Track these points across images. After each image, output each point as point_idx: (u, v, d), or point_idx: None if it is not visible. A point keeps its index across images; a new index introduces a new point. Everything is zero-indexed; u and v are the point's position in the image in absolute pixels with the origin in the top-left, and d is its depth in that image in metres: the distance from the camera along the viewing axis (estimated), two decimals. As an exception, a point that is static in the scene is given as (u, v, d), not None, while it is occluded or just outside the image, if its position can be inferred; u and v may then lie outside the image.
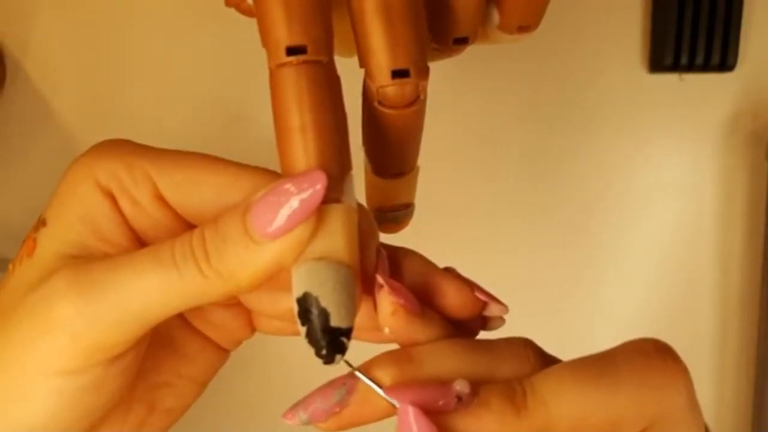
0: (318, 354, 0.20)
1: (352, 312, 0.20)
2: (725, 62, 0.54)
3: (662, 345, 0.20)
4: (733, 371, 0.59)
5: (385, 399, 0.20)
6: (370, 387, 0.20)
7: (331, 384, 0.21)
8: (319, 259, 0.20)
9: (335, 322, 0.19)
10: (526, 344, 0.22)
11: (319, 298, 0.19)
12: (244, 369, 0.56)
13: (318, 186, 0.19)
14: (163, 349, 0.24)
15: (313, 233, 0.20)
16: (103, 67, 0.52)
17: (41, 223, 0.22)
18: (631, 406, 0.19)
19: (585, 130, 0.56)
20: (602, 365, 0.20)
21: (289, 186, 0.19)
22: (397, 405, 0.19)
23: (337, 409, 0.21)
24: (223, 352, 0.26)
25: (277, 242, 0.19)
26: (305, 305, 0.20)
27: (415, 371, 0.21)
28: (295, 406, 0.21)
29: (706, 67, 0.54)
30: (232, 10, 0.31)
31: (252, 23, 0.28)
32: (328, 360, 0.20)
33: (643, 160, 0.56)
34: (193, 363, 0.25)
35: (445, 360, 0.21)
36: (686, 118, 0.56)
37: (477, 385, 0.20)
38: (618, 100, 0.55)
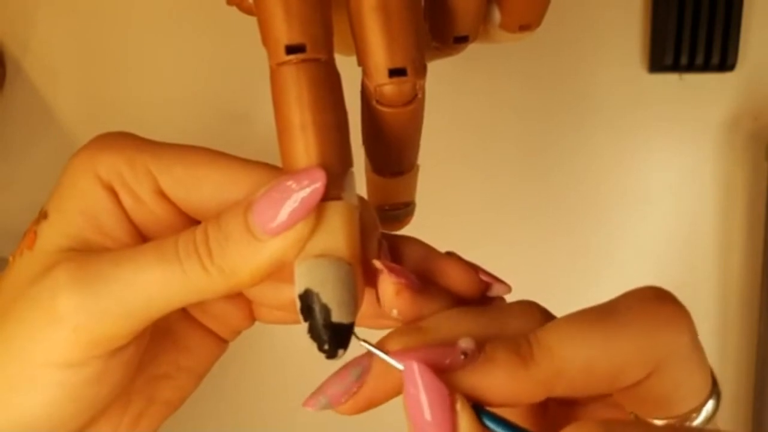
0: (321, 349, 0.20)
1: (352, 307, 0.20)
2: (725, 62, 0.54)
3: (662, 290, 0.20)
4: (733, 371, 0.59)
5: (395, 368, 0.20)
6: (385, 363, 0.20)
7: (346, 366, 0.21)
8: (320, 256, 0.20)
9: (336, 317, 0.20)
10: (531, 304, 0.23)
11: (320, 294, 0.20)
12: (238, 362, 0.56)
13: (318, 183, 0.19)
14: (162, 340, 0.24)
15: (314, 230, 0.20)
16: (103, 67, 0.52)
17: (42, 215, 0.22)
18: (636, 349, 0.19)
19: (585, 130, 0.56)
20: (605, 313, 0.20)
21: (290, 183, 0.20)
22: (403, 368, 0.19)
23: (355, 389, 0.21)
24: (222, 343, 0.26)
25: (278, 239, 0.20)
26: (307, 302, 0.20)
27: (422, 337, 0.21)
28: (315, 393, 0.21)
29: (706, 67, 0.54)
30: (232, 9, 0.31)
31: (251, 22, 0.28)
32: (331, 355, 0.20)
33: (642, 160, 0.56)
34: (192, 354, 0.25)
35: (452, 325, 0.21)
36: (686, 118, 0.56)
37: (483, 343, 0.20)
38: (618, 99, 0.56)
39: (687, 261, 0.58)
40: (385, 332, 0.22)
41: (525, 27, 0.30)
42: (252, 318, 0.26)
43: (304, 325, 0.20)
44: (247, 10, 0.30)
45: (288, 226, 0.20)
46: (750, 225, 0.57)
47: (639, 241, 0.57)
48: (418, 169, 0.31)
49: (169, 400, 0.25)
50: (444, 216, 0.49)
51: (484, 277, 0.23)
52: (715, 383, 0.21)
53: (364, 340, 0.21)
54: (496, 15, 0.29)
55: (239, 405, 0.57)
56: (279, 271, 0.21)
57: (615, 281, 0.57)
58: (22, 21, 0.51)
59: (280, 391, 0.56)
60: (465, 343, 0.20)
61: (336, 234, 0.20)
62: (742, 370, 0.58)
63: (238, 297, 0.25)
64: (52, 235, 0.21)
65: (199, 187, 0.22)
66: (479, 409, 0.19)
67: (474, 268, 0.23)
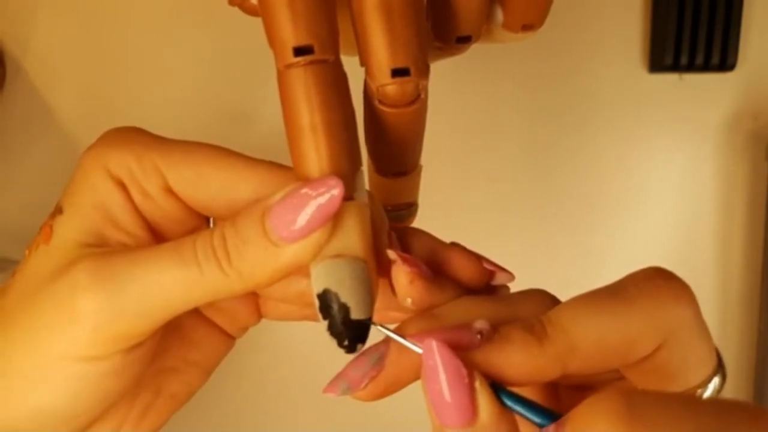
0: (340, 345, 0.21)
1: (369, 304, 0.21)
2: (725, 62, 0.54)
3: (665, 270, 0.21)
4: (733, 371, 0.59)
5: (415, 351, 0.20)
6: (403, 347, 0.21)
7: (364, 352, 0.22)
8: (337, 256, 0.21)
9: (355, 315, 0.20)
10: (540, 291, 0.23)
11: (338, 294, 0.20)
12: (239, 361, 0.56)
13: (335, 191, 0.20)
14: (171, 334, 0.25)
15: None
16: (103, 67, 0.52)
17: (58, 210, 0.22)
18: (644, 324, 0.20)
19: (585, 130, 0.56)
20: (613, 291, 0.21)
21: (306, 191, 0.20)
22: (421, 350, 0.20)
23: (374, 373, 0.21)
24: (229, 339, 0.27)
25: (296, 244, 0.20)
26: (326, 301, 0.20)
27: (438, 322, 0.22)
28: (335, 378, 0.22)
29: (706, 67, 0.54)
30: (232, 9, 0.31)
31: (252, 22, 0.28)
32: (350, 350, 0.21)
33: (643, 160, 0.56)
34: (199, 349, 0.26)
35: (465, 310, 0.22)
36: (686, 118, 0.56)
37: (497, 325, 0.20)
38: (618, 100, 0.56)
39: (687, 261, 0.58)
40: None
41: (528, 27, 0.30)
42: (258, 314, 0.27)
43: (324, 323, 0.21)
44: (250, 11, 0.30)
45: (306, 233, 0.20)
46: (750, 225, 0.57)
47: (639, 240, 0.57)
48: (420, 170, 0.31)
49: (176, 393, 0.25)
50: (446, 216, 0.49)
51: (487, 266, 0.24)
52: (720, 362, 0.22)
53: (382, 325, 0.22)
54: (499, 15, 0.29)
55: (240, 404, 0.57)
56: (296, 272, 0.21)
57: (615, 280, 0.56)
58: (22, 21, 0.51)
59: (281, 389, 0.56)
60: (480, 324, 0.20)
61: (350, 234, 0.21)
62: (742, 369, 0.59)
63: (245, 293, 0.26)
64: (68, 230, 0.22)
65: (206, 185, 0.22)
66: (498, 388, 0.20)
67: (478, 257, 0.24)
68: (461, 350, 0.20)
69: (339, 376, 0.21)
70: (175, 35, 0.52)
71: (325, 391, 0.21)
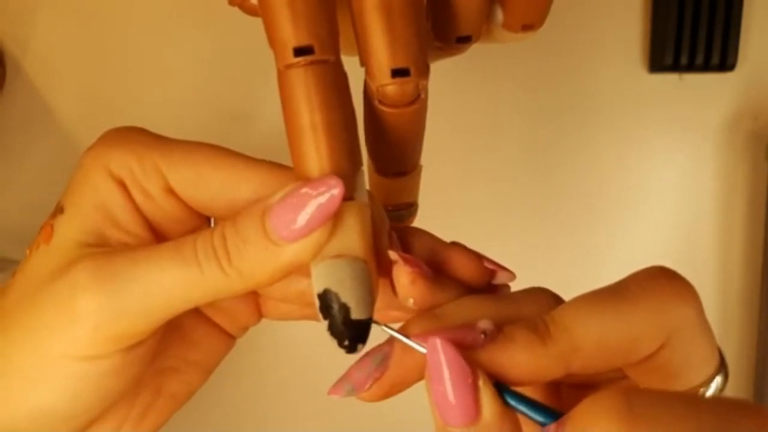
0: (341, 345, 0.21)
1: (370, 304, 0.21)
2: (725, 62, 0.54)
3: (668, 269, 0.21)
4: (733, 371, 0.58)
5: (418, 352, 0.20)
6: (407, 348, 0.21)
7: (368, 353, 0.22)
8: (337, 256, 0.21)
9: (355, 315, 0.20)
10: (544, 291, 0.23)
11: (339, 294, 0.20)
12: (238, 361, 0.56)
13: (335, 191, 0.20)
14: (171, 334, 0.25)
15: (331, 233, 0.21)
16: (103, 67, 0.52)
17: (59, 210, 0.22)
18: (647, 323, 0.20)
19: (585, 130, 0.56)
20: (616, 291, 0.21)
21: (306, 190, 0.20)
22: (425, 350, 0.20)
23: (378, 374, 0.21)
24: (230, 339, 0.27)
25: (296, 244, 0.20)
26: (326, 302, 0.20)
27: (441, 322, 0.22)
28: (339, 380, 0.22)
29: (706, 67, 0.54)
30: (232, 9, 0.31)
31: (252, 22, 0.28)
32: (351, 350, 0.21)
33: (642, 160, 0.56)
34: (199, 349, 0.26)
35: (468, 310, 0.22)
36: (686, 118, 0.56)
37: (501, 325, 0.20)
38: (618, 99, 0.56)
39: (687, 261, 0.58)
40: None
41: (528, 27, 0.30)
42: (259, 314, 0.27)
43: (324, 323, 0.21)
44: (250, 11, 0.30)
45: (306, 232, 0.20)
46: (750, 225, 0.58)
47: (639, 240, 0.57)
48: (420, 170, 0.31)
49: (176, 393, 0.25)
50: (446, 216, 0.49)
51: (488, 265, 0.24)
52: (722, 360, 0.22)
53: (386, 325, 0.22)
54: (499, 15, 0.29)
55: (240, 404, 0.57)
56: (296, 271, 0.21)
57: (615, 280, 0.56)
58: (22, 21, 0.51)
59: (281, 389, 0.56)
60: (484, 324, 0.20)
61: (351, 234, 0.21)
62: (742, 370, 0.59)
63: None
64: (69, 230, 0.22)
65: (206, 185, 0.22)
66: (501, 387, 0.20)
67: (478, 256, 0.24)
68: (465, 350, 0.20)
69: (343, 378, 0.22)
70: (175, 35, 0.52)
71: (330, 392, 0.22)
